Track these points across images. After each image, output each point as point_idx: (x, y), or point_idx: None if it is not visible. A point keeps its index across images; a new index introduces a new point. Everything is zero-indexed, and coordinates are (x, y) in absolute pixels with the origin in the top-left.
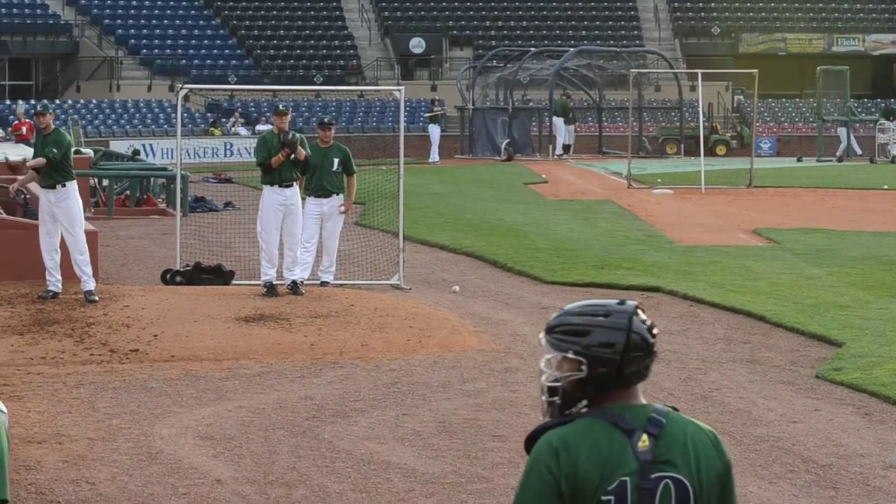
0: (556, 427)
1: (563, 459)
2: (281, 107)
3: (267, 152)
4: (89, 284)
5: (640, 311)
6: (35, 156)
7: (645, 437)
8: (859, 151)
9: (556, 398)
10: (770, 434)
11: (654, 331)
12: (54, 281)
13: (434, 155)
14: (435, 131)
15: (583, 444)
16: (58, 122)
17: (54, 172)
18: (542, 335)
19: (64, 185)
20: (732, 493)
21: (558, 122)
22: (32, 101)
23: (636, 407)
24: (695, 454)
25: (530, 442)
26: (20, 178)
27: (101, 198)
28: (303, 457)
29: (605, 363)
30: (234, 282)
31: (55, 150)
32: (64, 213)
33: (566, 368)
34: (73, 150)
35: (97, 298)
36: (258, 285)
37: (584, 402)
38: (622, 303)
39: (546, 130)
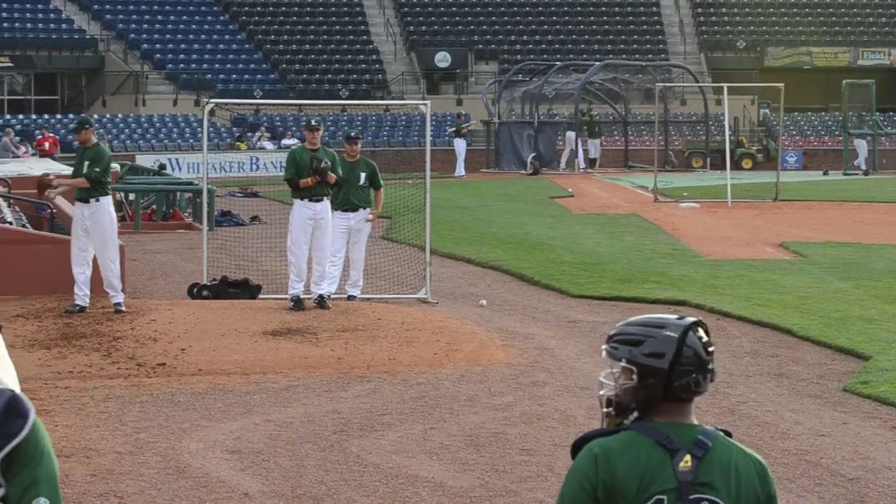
0: (601, 437)
1: (601, 468)
2: (313, 122)
3: (296, 168)
4: (118, 298)
5: (698, 328)
6: (75, 168)
7: (688, 457)
8: (864, 167)
9: (610, 409)
10: (798, 447)
11: (711, 349)
12: (82, 295)
13: (460, 169)
14: (461, 145)
15: (623, 456)
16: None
17: (90, 187)
18: (603, 346)
19: (98, 200)
20: None
21: (571, 135)
22: (58, 116)
23: (684, 426)
24: (736, 480)
25: (575, 449)
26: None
27: (128, 212)
28: (330, 471)
29: (654, 373)
30: (260, 296)
31: (97, 169)
32: (97, 228)
33: (622, 378)
34: (111, 164)
35: (125, 309)
36: (285, 299)
37: (635, 414)
38: (681, 317)
39: (573, 146)
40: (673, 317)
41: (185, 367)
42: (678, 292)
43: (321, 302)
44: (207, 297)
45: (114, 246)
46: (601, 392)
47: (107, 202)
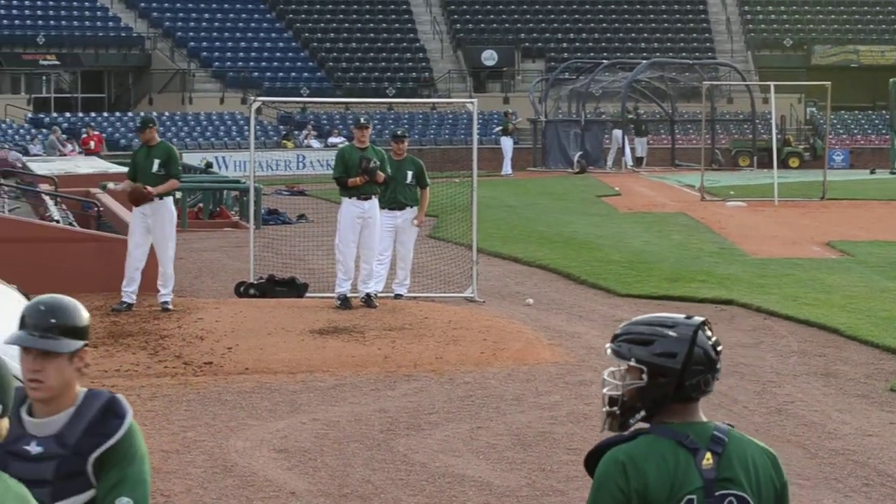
0: (618, 444)
1: (632, 477)
2: (362, 120)
3: (345, 167)
4: (168, 297)
5: (706, 327)
6: (138, 166)
7: (709, 455)
8: None
9: (615, 408)
10: (845, 447)
11: (719, 348)
12: (129, 292)
13: (507, 167)
14: (508, 144)
15: (650, 461)
16: (130, 135)
17: (152, 185)
18: (608, 344)
19: (161, 198)
20: None
21: (617, 134)
22: (105, 114)
23: (698, 424)
24: (755, 472)
25: (592, 459)
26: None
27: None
28: (377, 469)
29: (665, 373)
30: (307, 294)
31: (179, 168)
32: (158, 227)
33: (628, 378)
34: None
35: (172, 307)
36: (332, 298)
37: (642, 414)
38: (689, 317)
39: (620, 144)
40: (681, 316)
41: (231, 365)
42: (725, 291)
43: (368, 301)
44: (254, 296)
45: (173, 244)
46: (605, 390)
47: (169, 200)
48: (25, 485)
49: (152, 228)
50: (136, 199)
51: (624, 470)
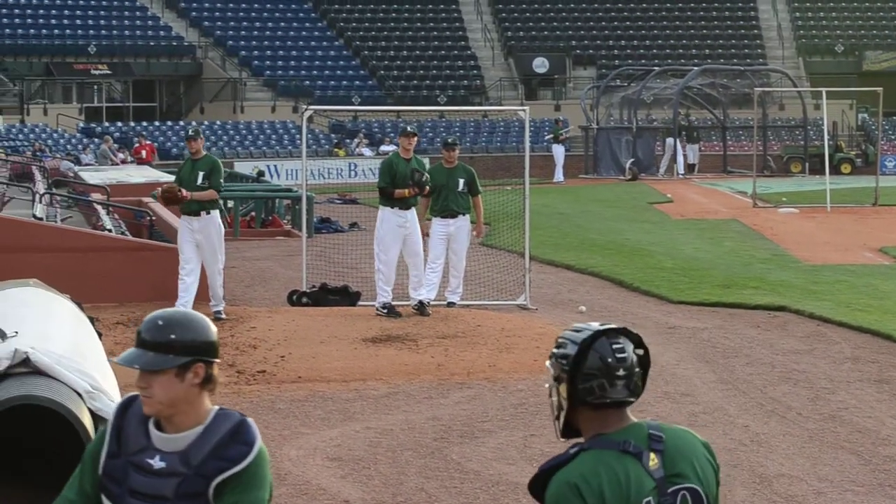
0: (561, 465)
1: (587, 496)
2: (409, 129)
3: (391, 177)
4: (219, 307)
5: (619, 336)
6: (183, 180)
7: (653, 455)
8: None
9: (560, 414)
10: None
11: (622, 356)
12: (184, 303)
13: (559, 175)
14: (559, 151)
15: (601, 476)
16: (182, 144)
17: (199, 199)
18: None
19: (209, 213)
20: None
21: (669, 140)
22: (156, 123)
23: (633, 427)
24: (698, 462)
25: (536, 483)
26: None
27: (227, 219)
28: (431, 478)
29: (560, 377)
30: (360, 302)
31: (221, 181)
32: (207, 241)
33: (550, 382)
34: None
35: (224, 317)
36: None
37: (562, 419)
38: (603, 325)
39: (672, 151)
40: (595, 324)
41: (284, 374)
42: (777, 298)
43: (421, 308)
44: (307, 304)
45: (222, 258)
46: (552, 398)
47: (216, 215)
48: (144, 499)
49: (201, 244)
50: (168, 198)
51: (578, 491)
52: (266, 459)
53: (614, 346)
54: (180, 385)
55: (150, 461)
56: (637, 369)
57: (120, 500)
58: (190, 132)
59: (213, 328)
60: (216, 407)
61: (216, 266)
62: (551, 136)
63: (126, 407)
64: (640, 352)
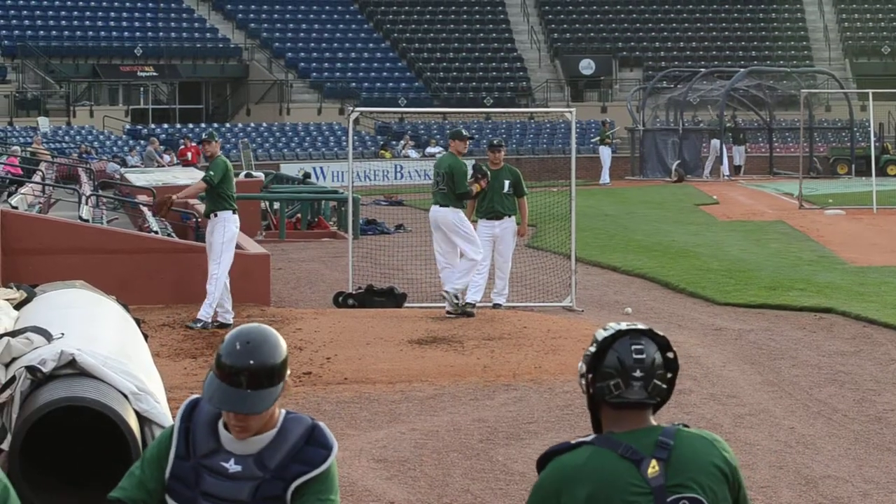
0: (560, 452)
1: (565, 488)
2: (495, 141)
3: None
4: (205, 317)
5: (640, 336)
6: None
7: (654, 462)
8: None
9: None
10: None
11: (640, 357)
12: (222, 312)
13: (605, 177)
14: (606, 153)
15: (585, 472)
16: (228, 146)
17: (209, 201)
18: None
19: (216, 215)
20: (745, 496)
21: (715, 142)
22: (203, 125)
23: (642, 432)
24: (706, 470)
25: (540, 464)
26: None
27: (273, 221)
28: (476, 479)
29: (584, 372)
30: (406, 304)
31: (211, 173)
32: (211, 241)
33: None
34: (230, 177)
35: (196, 327)
36: (431, 307)
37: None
38: (629, 325)
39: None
40: (623, 325)
41: (330, 375)
42: (824, 299)
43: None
44: (353, 306)
45: (220, 263)
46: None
47: (225, 216)
48: (218, 502)
49: (209, 243)
50: (159, 206)
51: (561, 480)
52: (336, 464)
53: (634, 347)
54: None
55: (225, 464)
56: (659, 371)
57: (191, 502)
58: (204, 135)
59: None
60: (284, 410)
61: (213, 269)
62: (598, 137)
63: (192, 408)
64: (670, 355)
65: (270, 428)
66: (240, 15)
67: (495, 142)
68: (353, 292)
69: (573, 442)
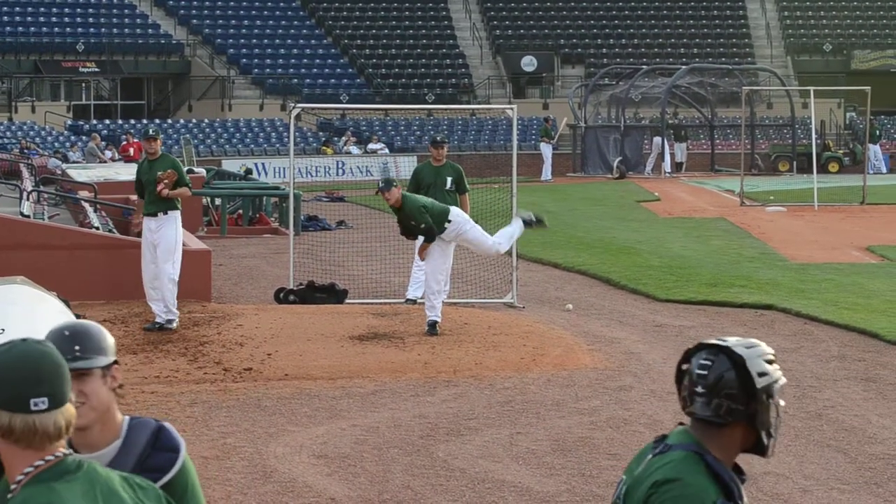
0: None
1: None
2: (438, 138)
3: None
4: (169, 315)
5: (718, 351)
6: (143, 181)
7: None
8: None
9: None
10: (885, 452)
11: (704, 373)
12: (158, 312)
13: (546, 173)
14: (547, 150)
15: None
16: (170, 142)
17: (158, 200)
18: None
19: (166, 213)
20: None
21: (657, 139)
22: (144, 122)
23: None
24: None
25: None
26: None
27: (214, 217)
28: (417, 475)
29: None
30: (347, 300)
31: (188, 181)
32: (162, 241)
33: None
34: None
35: (173, 327)
36: (372, 304)
37: None
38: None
39: (660, 149)
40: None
41: (271, 371)
42: (765, 296)
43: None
44: (294, 302)
45: (176, 262)
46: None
47: (174, 216)
48: None
49: (157, 244)
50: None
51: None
52: (191, 463)
53: (697, 364)
54: (104, 388)
55: None
56: (727, 391)
57: None
58: (150, 132)
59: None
60: (127, 417)
61: (166, 269)
62: (542, 134)
63: None
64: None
65: (114, 437)
66: (182, 11)
67: (438, 138)
68: (295, 288)
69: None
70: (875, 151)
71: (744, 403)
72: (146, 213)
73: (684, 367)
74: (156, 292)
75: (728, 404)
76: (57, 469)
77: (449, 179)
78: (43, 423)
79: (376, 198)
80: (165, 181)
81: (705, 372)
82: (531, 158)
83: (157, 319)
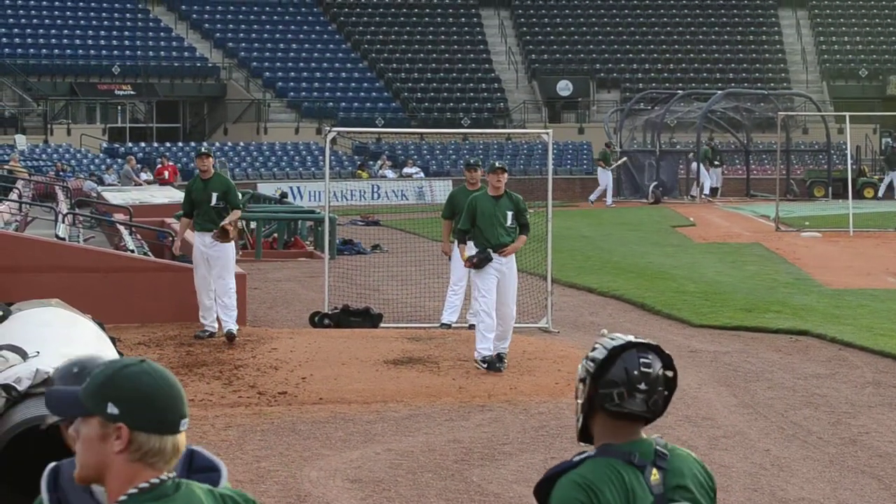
0: (566, 471)
1: (592, 497)
2: (497, 164)
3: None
4: (233, 325)
5: (647, 351)
6: (195, 199)
7: (655, 471)
8: None
9: (579, 417)
10: None
11: (647, 370)
12: (210, 322)
13: (609, 198)
14: (606, 176)
15: (605, 483)
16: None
17: (212, 217)
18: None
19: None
20: None
21: (693, 164)
22: (180, 144)
23: (641, 442)
24: (697, 483)
25: (542, 487)
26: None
27: (249, 240)
28: (451, 500)
29: (585, 379)
30: (382, 324)
31: (241, 197)
32: (216, 258)
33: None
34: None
35: (236, 335)
36: (407, 328)
37: (580, 422)
38: (636, 339)
39: (695, 174)
40: (631, 337)
41: (306, 395)
42: (800, 322)
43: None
44: (329, 326)
45: (232, 272)
46: (577, 400)
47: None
48: None
49: (211, 260)
50: (222, 237)
51: (585, 491)
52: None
53: (642, 360)
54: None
55: None
56: (660, 388)
57: None
58: (202, 150)
59: None
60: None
61: (224, 284)
62: (601, 158)
63: (55, 476)
64: (670, 373)
65: None
66: (217, 34)
67: (472, 161)
68: (329, 312)
69: (575, 459)
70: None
71: (665, 400)
72: (200, 229)
73: (616, 364)
74: (212, 303)
75: (657, 400)
76: (157, 492)
77: (510, 214)
78: (181, 443)
79: (411, 221)
80: (230, 227)
81: (649, 370)
82: (566, 182)
83: (207, 328)
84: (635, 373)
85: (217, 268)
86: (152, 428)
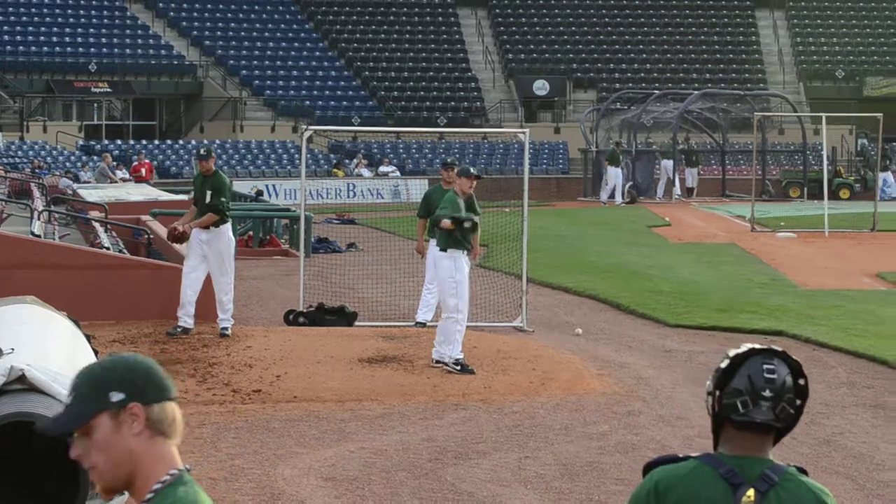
0: (670, 462)
1: (655, 499)
2: (472, 170)
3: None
4: (227, 323)
5: (772, 357)
6: (194, 194)
7: (751, 492)
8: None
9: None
10: (894, 479)
11: (771, 377)
12: (185, 317)
13: (616, 196)
14: (615, 173)
15: (679, 487)
16: (181, 163)
17: (206, 213)
18: None
19: (217, 227)
20: None
21: (668, 164)
22: (156, 142)
23: (752, 459)
24: None
25: (646, 471)
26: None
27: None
28: (425, 499)
29: (710, 392)
30: (357, 323)
31: (223, 199)
32: (215, 254)
33: None
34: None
35: (229, 334)
36: (381, 326)
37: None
38: (764, 346)
39: (670, 174)
40: (758, 345)
41: (280, 393)
42: (775, 322)
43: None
44: (303, 324)
45: (231, 270)
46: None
47: (226, 228)
48: None
49: (208, 256)
50: (174, 238)
51: (654, 491)
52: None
53: (765, 366)
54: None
55: None
56: (788, 395)
57: None
58: (202, 151)
59: None
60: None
61: (223, 281)
62: (607, 158)
63: None
64: (801, 381)
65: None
66: (194, 32)
67: (448, 160)
68: (304, 311)
69: (681, 455)
70: (885, 178)
71: (797, 409)
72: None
73: (739, 372)
74: (193, 298)
75: (786, 408)
76: (181, 479)
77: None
78: (177, 411)
79: (386, 220)
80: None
81: (773, 376)
82: (542, 182)
83: (181, 323)
84: (758, 380)
85: (214, 263)
86: (160, 396)
